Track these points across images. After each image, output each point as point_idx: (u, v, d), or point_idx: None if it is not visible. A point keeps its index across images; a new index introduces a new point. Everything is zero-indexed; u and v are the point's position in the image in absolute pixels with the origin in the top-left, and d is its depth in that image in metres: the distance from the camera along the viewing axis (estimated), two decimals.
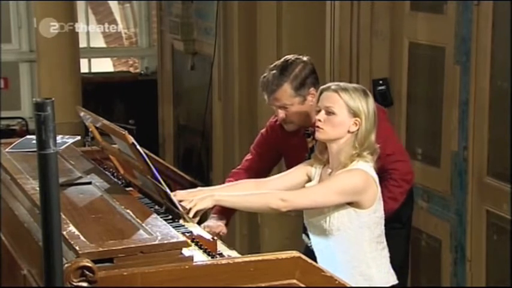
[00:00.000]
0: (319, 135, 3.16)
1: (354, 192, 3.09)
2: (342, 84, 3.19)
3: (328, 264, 2.92)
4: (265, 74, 3.59)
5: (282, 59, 3.63)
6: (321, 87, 3.23)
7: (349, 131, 3.12)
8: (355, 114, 3.11)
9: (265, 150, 3.77)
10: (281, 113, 3.56)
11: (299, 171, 3.33)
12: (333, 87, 3.17)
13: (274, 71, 3.56)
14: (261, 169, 3.72)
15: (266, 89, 3.57)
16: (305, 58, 3.61)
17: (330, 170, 3.20)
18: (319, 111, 3.16)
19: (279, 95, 3.52)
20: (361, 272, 3.15)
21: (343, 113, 3.11)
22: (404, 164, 3.68)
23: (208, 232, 3.14)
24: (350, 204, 3.11)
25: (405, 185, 3.66)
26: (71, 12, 7.33)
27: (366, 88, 3.24)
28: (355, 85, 3.23)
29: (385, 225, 3.29)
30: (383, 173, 3.51)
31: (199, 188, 3.34)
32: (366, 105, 3.13)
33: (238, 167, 3.79)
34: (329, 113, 3.12)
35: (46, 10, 7.21)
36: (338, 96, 3.12)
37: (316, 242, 3.24)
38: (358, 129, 3.11)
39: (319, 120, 3.13)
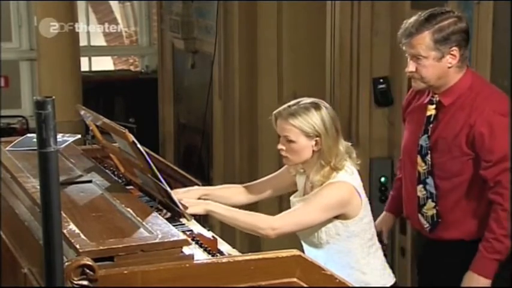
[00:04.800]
0: (285, 162, 3.19)
1: (340, 205, 3.08)
2: (292, 107, 3.10)
3: None
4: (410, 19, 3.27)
5: (433, 9, 3.32)
6: (274, 112, 3.16)
7: (313, 151, 3.10)
8: (313, 135, 3.08)
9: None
10: (411, 65, 3.26)
11: (286, 175, 3.34)
12: (284, 114, 3.10)
13: (421, 17, 3.24)
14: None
15: (404, 32, 3.25)
16: (460, 14, 3.34)
17: (311, 185, 3.19)
18: (279, 137, 3.15)
19: (415, 42, 3.22)
20: (356, 279, 3.12)
21: (301, 138, 3.09)
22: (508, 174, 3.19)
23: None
24: (336, 217, 3.10)
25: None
26: (71, 12, 7.32)
27: (316, 101, 3.15)
28: (306, 102, 3.12)
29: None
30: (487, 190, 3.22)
31: (196, 187, 3.34)
32: (321, 122, 3.07)
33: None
34: (288, 141, 3.10)
35: (46, 10, 7.21)
36: (290, 125, 3.08)
37: (308, 252, 3.23)
38: (320, 148, 3.09)
39: (282, 149, 3.13)
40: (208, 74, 7.34)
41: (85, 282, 2.30)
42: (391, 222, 3.74)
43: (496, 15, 4.17)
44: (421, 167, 3.38)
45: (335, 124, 3.11)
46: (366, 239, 3.18)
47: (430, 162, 3.35)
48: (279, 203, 5.23)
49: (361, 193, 3.12)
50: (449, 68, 3.24)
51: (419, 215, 3.43)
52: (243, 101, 6.69)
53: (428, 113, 3.36)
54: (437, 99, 3.33)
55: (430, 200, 3.38)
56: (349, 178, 3.09)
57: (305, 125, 3.07)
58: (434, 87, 3.31)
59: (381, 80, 5.16)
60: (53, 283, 2.07)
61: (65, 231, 2.48)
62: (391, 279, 3.28)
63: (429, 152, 3.34)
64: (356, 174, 3.13)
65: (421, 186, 3.40)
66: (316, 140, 3.08)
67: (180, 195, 3.14)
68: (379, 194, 5.23)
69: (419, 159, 3.38)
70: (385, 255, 3.34)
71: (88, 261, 2.31)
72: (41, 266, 2.25)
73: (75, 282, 2.28)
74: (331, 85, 5.38)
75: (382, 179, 5.23)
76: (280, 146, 3.14)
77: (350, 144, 3.20)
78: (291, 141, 3.10)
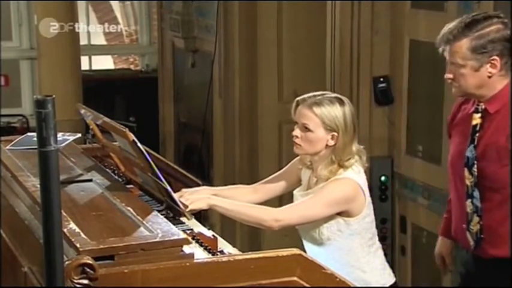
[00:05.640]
0: (296, 150, 3.17)
1: (345, 201, 3.08)
2: (317, 97, 3.11)
3: None
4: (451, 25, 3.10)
5: (478, 13, 3.16)
6: (297, 98, 3.14)
7: (327, 145, 3.10)
8: (331, 129, 3.08)
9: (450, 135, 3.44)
10: (450, 72, 3.11)
11: (293, 171, 3.33)
12: (308, 101, 3.11)
13: (462, 22, 3.06)
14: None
15: (442, 38, 3.09)
16: (506, 20, 3.07)
17: (315, 179, 3.19)
18: (296, 124, 3.14)
19: (453, 49, 3.05)
20: (355, 278, 3.10)
21: (319, 129, 3.08)
22: None
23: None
24: (339, 214, 3.10)
25: None
26: (71, 12, 7.32)
27: (341, 96, 3.17)
28: (331, 96, 3.14)
29: None
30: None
31: (203, 187, 3.34)
32: (343, 118, 3.07)
33: None
34: (305, 129, 3.10)
35: (46, 10, 7.20)
36: (312, 113, 3.08)
37: (308, 248, 3.23)
38: (335, 144, 3.09)
39: (296, 136, 3.12)
40: (209, 73, 7.34)
41: (85, 281, 2.30)
42: (449, 245, 3.52)
43: None
44: (469, 180, 3.19)
45: (354, 123, 3.12)
46: (367, 238, 3.18)
47: (476, 174, 3.15)
48: (279, 198, 5.24)
49: (365, 192, 3.13)
50: (489, 77, 3.07)
51: (467, 233, 3.22)
52: (243, 101, 6.69)
53: (474, 122, 3.19)
54: (483, 107, 3.15)
55: (475, 215, 3.19)
56: (355, 176, 3.10)
57: (327, 116, 3.07)
58: (475, 95, 3.16)
59: (381, 79, 5.17)
60: (53, 282, 2.07)
61: (65, 230, 2.48)
62: (391, 279, 3.28)
63: (475, 162, 3.15)
64: (362, 173, 3.14)
65: (469, 201, 3.20)
66: (332, 135, 3.09)
67: (187, 196, 3.13)
68: (379, 193, 5.24)
69: (466, 172, 3.19)
70: (385, 254, 3.34)
71: (88, 260, 2.31)
72: (41, 265, 2.25)
73: (76, 281, 2.28)
74: (331, 84, 5.38)
75: (383, 178, 5.24)
76: (295, 133, 3.13)
77: (362, 147, 3.19)
78: (308, 130, 3.09)
